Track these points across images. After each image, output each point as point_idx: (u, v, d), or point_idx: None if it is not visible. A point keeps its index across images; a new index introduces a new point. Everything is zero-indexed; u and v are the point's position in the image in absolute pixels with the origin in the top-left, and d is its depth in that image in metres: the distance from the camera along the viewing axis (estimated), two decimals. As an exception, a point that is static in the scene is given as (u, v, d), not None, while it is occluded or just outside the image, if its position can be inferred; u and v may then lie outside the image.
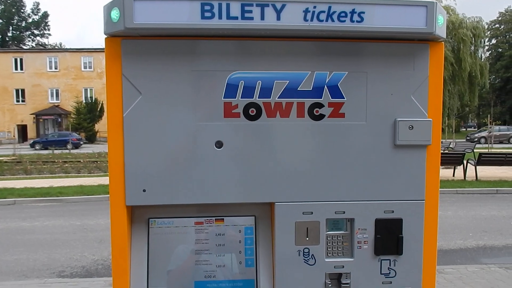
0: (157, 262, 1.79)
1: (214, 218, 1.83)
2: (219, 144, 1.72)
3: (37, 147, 37.08)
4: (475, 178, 15.03)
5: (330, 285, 1.77)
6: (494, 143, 30.18)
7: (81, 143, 39.95)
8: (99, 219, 10.43)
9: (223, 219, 1.83)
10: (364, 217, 1.78)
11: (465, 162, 15.26)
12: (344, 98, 1.74)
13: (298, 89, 1.73)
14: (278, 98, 1.73)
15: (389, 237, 1.78)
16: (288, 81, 1.72)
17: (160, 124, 1.70)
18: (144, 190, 1.71)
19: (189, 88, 1.70)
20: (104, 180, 16.70)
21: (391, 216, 1.78)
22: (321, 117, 1.74)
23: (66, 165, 21.78)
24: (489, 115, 33.04)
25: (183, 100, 1.70)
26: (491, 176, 15.82)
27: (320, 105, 1.74)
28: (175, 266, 1.80)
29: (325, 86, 1.73)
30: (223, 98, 1.71)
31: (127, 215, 1.73)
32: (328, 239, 1.78)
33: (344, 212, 1.77)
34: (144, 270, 1.77)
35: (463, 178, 15.25)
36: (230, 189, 1.74)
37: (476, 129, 53.06)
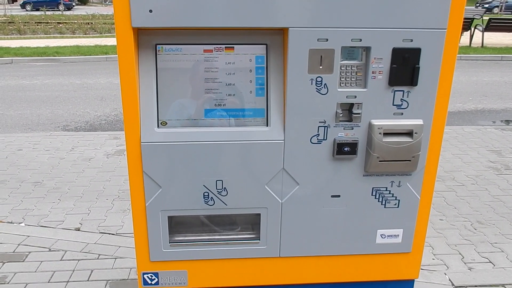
0: (166, 91, 1.75)
1: (224, 46, 1.74)
2: None
3: (28, 8, 35.64)
4: (480, 45, 14.69)
5: (341, 115, 1.76)
6: (505, 12, 28.85)
7: (73, 4, 38.30)
8: (99, 78, 10.40)
9: (233, 47, 1.75)
10: (381, 46, 1.69)
11: (472, 28, 14.75)
12: None
13: None
14: None
15: (405, 67, 1.72)
16: None
17: None
18: (150, 11, 1.59)
19: None
20: (101, 41, 16.32)
21: (409, 45, 1.69)
22: None
23: (60, 25, 21.06)
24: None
25: None
26: (498, 43, 15.46)
27: None
28: (185, 94, 1.77)
29: None
30: None
31: (133, 38, 1.64)
32: (342, 68, 1.72)
33: (360, 40, 1.68)
34: (154, 99, 1.75)
35: (468, 44, 14.89)
36: (241, 12, 1.62)
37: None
